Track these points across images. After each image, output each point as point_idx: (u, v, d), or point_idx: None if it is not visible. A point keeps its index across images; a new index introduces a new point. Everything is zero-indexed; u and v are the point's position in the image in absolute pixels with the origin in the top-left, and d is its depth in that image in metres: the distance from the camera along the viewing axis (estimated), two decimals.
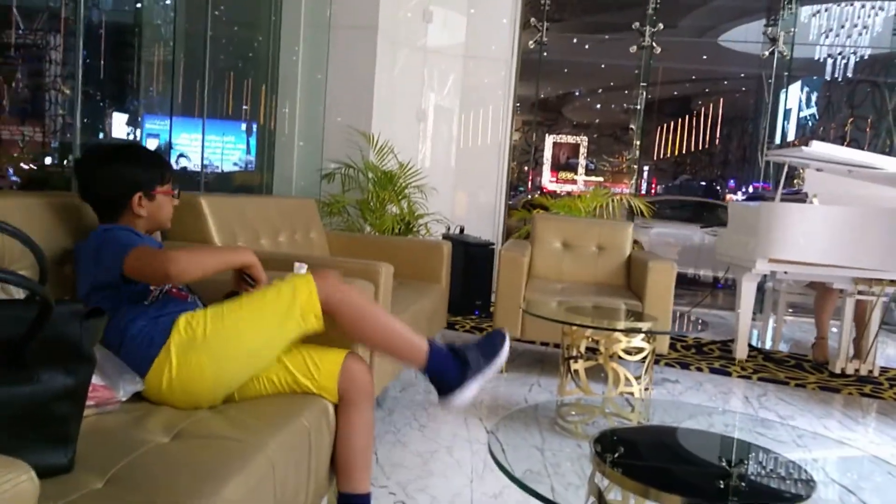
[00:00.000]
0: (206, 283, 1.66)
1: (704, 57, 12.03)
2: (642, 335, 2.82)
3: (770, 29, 7.04)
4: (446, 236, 5.19)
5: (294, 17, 5.15)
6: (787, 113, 11.05)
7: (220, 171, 6.01)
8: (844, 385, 3.82)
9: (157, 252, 1.57)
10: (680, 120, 16.64)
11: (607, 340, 2.79)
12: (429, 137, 5.73)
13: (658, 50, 6.86)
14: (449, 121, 5.84)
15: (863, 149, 7.76)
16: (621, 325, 2.87)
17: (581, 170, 15.50)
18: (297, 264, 2.03)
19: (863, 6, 9.06)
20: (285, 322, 1.56)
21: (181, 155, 5.67)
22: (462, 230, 5.43)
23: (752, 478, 1.49)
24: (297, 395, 1.59)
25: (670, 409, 2.57)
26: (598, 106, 16.87)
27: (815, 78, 11.11)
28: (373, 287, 2.11)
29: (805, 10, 8.77)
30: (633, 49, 6.98)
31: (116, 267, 1.55)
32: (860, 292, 3.98)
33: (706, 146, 16.40)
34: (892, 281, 3.94)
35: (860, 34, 9.15)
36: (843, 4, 9.14)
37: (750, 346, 4.41)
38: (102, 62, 5.93)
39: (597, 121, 17.53)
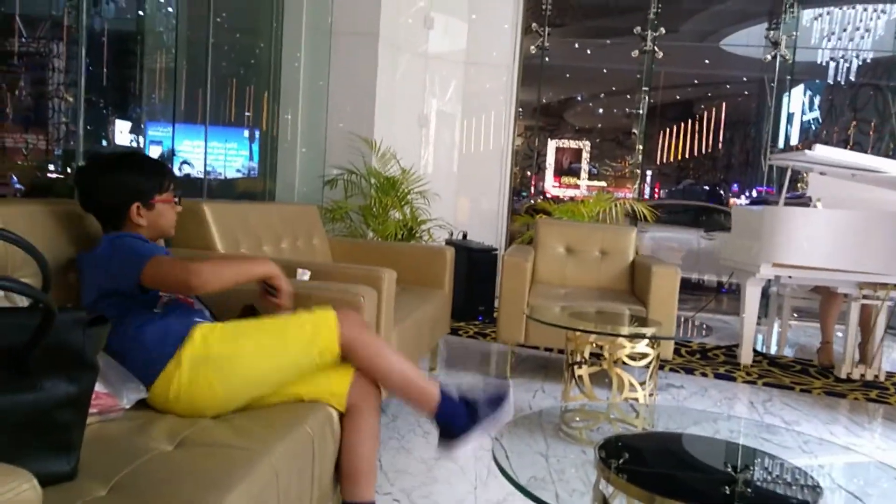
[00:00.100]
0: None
1: (706, 61, 12.02)
2: (646, 340, 2.81)
3: (772, 33, 7.03)
4: (449, 242, 5.19)
5: (295, 24, 5.16)
6: (789, 117, 11.04)
7: (222, 177, 6.02)
8: (850, 390, 3.80)
9: (178, 263, 1.57)
10: (682, 124, 16.62)
11: (611, 346, 2.78)
12: (431, 143, 5.73)
13: (660, 54, 6.86)
14: (451, 126, 5.85)
15: (866, 152, 7.74)
16: (625, 330, 2.86)
17: (584, 174, 15.51)
18: (300, 270, 2.03)
19: (865, 9, 9.06)
20: (302, 358, 1.58)
21: (184, 162, 5.68)
22: (465, 236, 5.43)
23: (758, 484, 1.48)
24: (302, 403, 1.59)
25: (675, 415, 2.56)
26: (601, 111, 16.87)
27: (817, 82, 11.11)
28: (376, 294, 2.11)
29: (807, 14, 8.77)
30: (635, 54, 6.98)
31: (133, 276, 1.55)
32: (865, 296, 3.97)
33: (709, 150, 16.38)
34: None
35: (862, 37, 9.15)
36: (845, 8, 9.14)
37: (755, 351, 4.39)
38: (105, 70, 5.95)
39: (599, 125, 17.52)
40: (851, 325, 4.01)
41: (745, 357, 4.23)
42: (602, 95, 15.55)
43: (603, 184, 15.87)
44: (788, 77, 7.18)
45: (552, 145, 15.51)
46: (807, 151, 3.98)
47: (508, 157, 6.08)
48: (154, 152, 5.94)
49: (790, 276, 4.13)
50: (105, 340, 1.18)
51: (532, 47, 6.81)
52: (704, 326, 3.33)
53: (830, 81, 9.56)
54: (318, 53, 5.14)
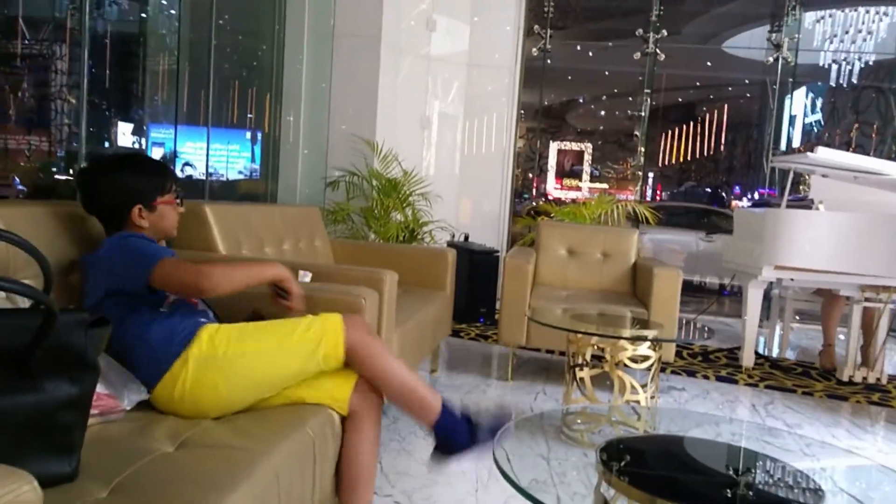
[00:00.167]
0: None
1: (708, 63, 12.03)
2: (648, 343, 2.80)
3: (774, 35, 7.03)
4: (451, 244, 5.19)
5: (298, 26, 5.17)
6: (791, 119, 11.04)
7: (225, 179, 6.03)
8: (852, 393, 3.79)
9: (188, 266, 1.57)
10: (684, 126, 16.62)
11: (613, 348, 2.77)
12: (433, 145, 5.74)
13: (662, 57, 6.86)
14: (453, 128, 5.85)
15: (868, 155, 7.73)
16: (627, 332, 2.86)
17: (586, 176, 15.49)
18: (301, 272, 2.03)
19: (867, 12, 9.06)
20: (307, 362, 1.58)
21: (186, 163, 5.69)
22: (467, 237, 5.43)
23: (760, 487, 1.47)
24: (304, 405, 1.59)
25: (677, 418, 2.55)
26: (603, 113, 16.87)
27: (819, 84, 11.11)
28: (378, 295, 2.11)
29: (809, 17, 8.77)
30: (637, 56, 6.99)
31: (141, 276, 1.55)
32: (867, 299, 3.96)
33: (711, 153, 16.38)
34: None
35: (864, 40, 9.15)
36: (847, 10, 9.14)
37: (757, 353, 4.38)
38: (108, 72, 5.96)
39: (601, 128, 17.52)
40: (853, 328, 4.00)
41: (747, 360, 4.23)
42: (604, 98, 15.56)
43: (605, 186, 15.86)
44: (790, 79, 7.18)
45: (554, 147, 15.50)
46: (809, 154, 3.98)
47: (510, 159, 6.08)
48: (156, 154, 5.95)
49: (792, 279, 4.13)
50: (106, 342, 1.17)
51: (534, 49, 6.82)
52: (706, 329, 3.33)
53: (832, 84, 9.56)
54: (320, 55, 5.15)
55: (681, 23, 10.07)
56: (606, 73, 12.53)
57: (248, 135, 6.22)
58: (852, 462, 2.06)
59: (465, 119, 5.91)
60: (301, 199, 5.14)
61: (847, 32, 9.10)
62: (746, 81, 12.86)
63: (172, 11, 5.95)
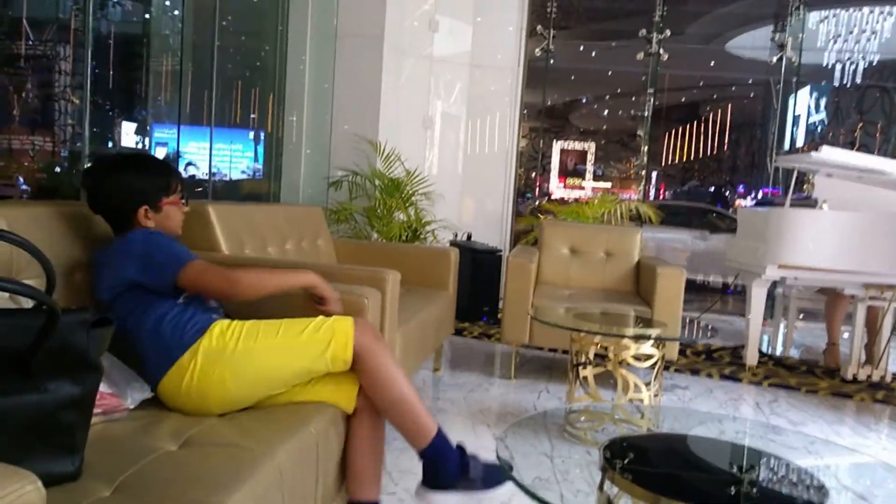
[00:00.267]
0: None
1: (712, 63, 12.00)
2: (651, 341, 2.80)
3: (778, 35, 7.01)
4: (454, 243, 5.19)
5: (301, 26, 5.17)
6: (795, 119, 11.02)
7: (228, 179, 6.04)
8: (856, 391, 3.78)
9: (218, 270, 1.60)
10: (688, 126, 16.60)
11: (616, 347, 2.77)
12: (436, 145, 5.74)
13: (665, 57, 6.85)
14: (456, 128, 5.85)
15: (873, 154, 7.72)
16: (630, 331, 2.86)
17: (589, 176, 15.49)
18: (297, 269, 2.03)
19: (871, 11, 9.04)
20: (315, 362, 1.58)
21: (189, 163, 5.70)
22: (469, 237, 5.43)
23: (764, 485, 1.47)
24: (307, 403, 1.59)
25: (680, 416, 2.55)
26: (606, 112, 16.86)
27: (823, 84, 11.08)
28: (380, 295, 2.11)
29: (813, 16, 8.75)
30: (640, 56, 6.98)
31: (169, 276, 1.58)
32: (871, 298, 3.95)
33: (714, 152, 16.36)
34: None
35: (869, 40, 9.12)
36: (851, 10, 9.12)
37: (760, 352, 4.38)
38: (111, 72, 5.98)
39: (604, 127, 17.51)
40: (858, 327, 3.99)
41: (751, 358, 4.22)
42: (607, 97, 15.54)
43: (608, 185, 15.86)
44: (794, 79, 7.16)
45: (557, 147, 15.51)
46: (813, 153, 3.97)
47: (513, 158, 6.08)
48: (160, 154, 5.97)
49: (796, 278, 4.12)
50: (109, 341, 1.17)
51: (537, 50, 6.81)
52: (710, 327, 3.32)
53: (836, 83, 9.54)
54: (323, 56, 5.15)
55: (684, 23, 10.06)
56: (609, 73, 12.52)
57: (251, 135, 6.23)
58: (856, 460, 2.06)
59: (467, 119, 5.91)
60: (304, 198, 5.15)
61: (851, 32, 9.08)
62: (750, 81, 12.84)
63: (176, 12, 5.97)
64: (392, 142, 5.01)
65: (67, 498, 1.03)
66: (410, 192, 4.93)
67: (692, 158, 16.95)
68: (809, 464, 1.59)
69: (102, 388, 1.31)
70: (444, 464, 1.66)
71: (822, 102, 11.82)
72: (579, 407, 2.68)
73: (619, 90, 14.25)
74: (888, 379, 3.98)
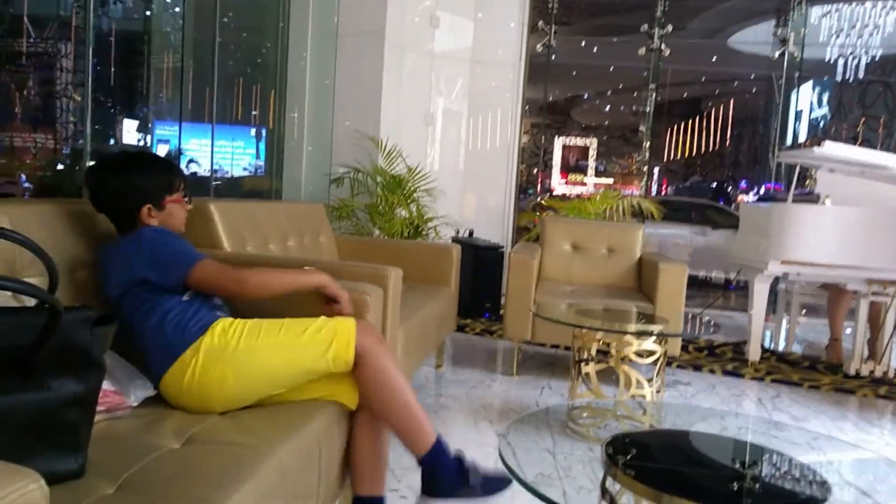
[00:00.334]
0: None
1: (714, 59, 11.98)
2: (653, 338, 2.80)
3: (780, 30, 7.00)
4: (456, 239, 5.19)
5: (302, 23, 5.17)
6: (798, 114, 10.99)
7: (230, 175, 6.04)
8: (859, 387, 3.78)
9: (228, 270, 1.62)
10: (690, 121, 16.57)
11: (618, 343, 2.77)
12: (437, 141, 5.73)
13: (667, 52, 6.84)
14: (457, 124, 5.85)
15: (875, 149, 7.71)
16: (632, 327, 2.86)
17: (590, 172, 15.48)
18: (305, 268, 2.03)
19: (874, 6, 9.00)
20: (316, 362, 1.57)
21: (191, 160, 5.71)
22: (471, 233, 5.43)
23: (766, 482, 1.47)
24: (310, 400, 1.59)
25: (682, 413, 2.55)
26: (608, 108, 16.84)
27: (826, 78, 11.06)
28: (382, 292, 2.11)
29: (815, 11, 8.72)
30: (642, 51, 6.96)
31: (179, 275, 1.59)
32: (874, 293, 3.95)
33: (717, 147, 16.34)
34: None
35: (871, 34, 9.09)
36: (853, 4, 9.08)
37: (763, 347, 4.38)
38: (113, 69, 5.98)
39: (606, 123, 17.49)
40: (860, 322, 3.99)
41: (753, 354, 4.22)
42: (609, 93, 15.52)
43: (610, 181, 15.85)
44: (797, 74, 7.15)
45: (559, 143, 15.49)
46: (815, 148, 3.96)
47: (515, 154, 6.07)
48: (161, 151, 5.97)
49: (798, 273, 4.11)
50: (111, 339, 1.18)
51: (538, 45, 6.80)
52: (712, 323, 3.32)
53: (839, 78, 9.51)
54: (324, 52, 5.15)
55: (686, 18, 10.04)
56: (611, 68, 12.49)
57: (253, 132, 6.23)
58: (859, 455, 2.06)
59: (469, 115, 5.90)
60: (305, 195, 5.15)
61: (854, 27, 9.04)
62: (752, 76, 12.81)
63: (177, 9, 5.96)
64: (393, 138, 5.01)
65: (71, 496, 1.03)
66: (412, 188, 4.93)
67: (694, 154, 16.93)
68: (812, 459, 1.58)
69: (105, 385, 1.31)
70: (443, 472, 1.66)
71: (825, 97, 11.79)
72: (581, 403, 2.68)
73: (620, 86, 14.23)
74: (891, 374, 3.98)
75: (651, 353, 2.80)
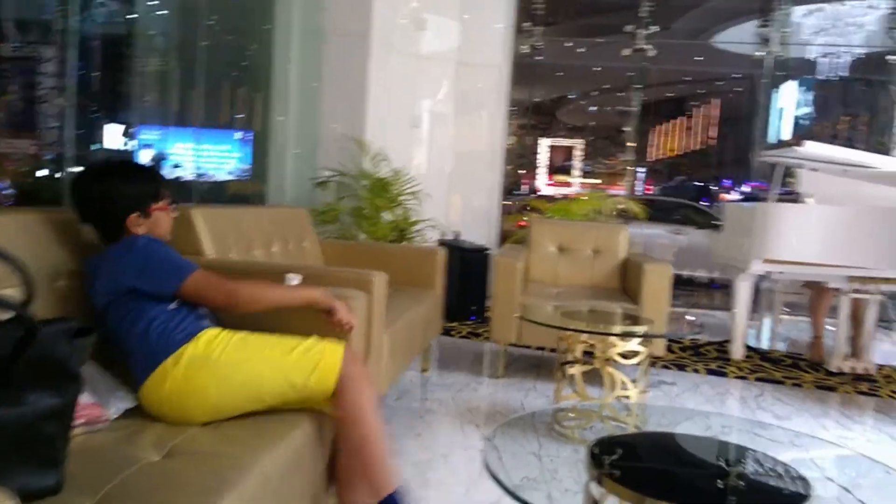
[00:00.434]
0: None
1: (698, 58, 12.05)
2: (638, 339, 2.81)
3: (763, 29, 7.06)
4: (442, 242, 5.19)
5: (287, 25, 5.15)
6: (781, 112, 11.07)
7: (214, 180, 6.01)
8: (841, 384, 3.82)
9: (221, 282, 1.63)
10: (675, 121, 16.67)
11: (603, 345, 2.78)
12: (423, 143, 5.73)
13: (652, 52, 6.88)
14: (443, 126, 5.85)
15: (858, 147, 7.78)
16: (617, 329, 2.87)
17: (576, 172, 15.54)
18: (289, 275, 2.03)
19: (854, 5, 9.09)
20: (297, 384, 1.56)
21: (176, 165, 5.68)
22: (457, 235, 5.43)
23: (748, 482, 1.48)
24: (292, 410, 1.59)
25: (667, 413, 2.57)
26: (593, 109, 16.90)
27: (809, 77, 11.15)
28: (367, 297, 2.11)
29: (798, 10, 8.79)
30: (627, 52, 7.00)
31: (171, 286, 1.60)
32: (855, 291, 3.99)
33: (702, 147, 16.44)
34: (886, 279, 3.95)
35: (853, 33, 9.17)
36: (835, 4, 9.16)
37: (746, 346, 4.41)
38: (96, 74, 5.94)
39: (591, 123, 17.55)
40: (842, 319, 4.03)
41: (737, 353, 4.25)
42: (594, 93, 15.57)
43: (597, 181, 15.91)
44: (780, 73, 7.21)
45: (545, 144, 15.53)
46: (797, 148, 4.00)
47: (501, 156, 6.08)
48: (146, 156, 5.93)
49: (781, 272, 4.15)
50: (90, 351, 1.17)
51: (524, 46, 6.82)
52: (696, 323, 3.34)
53: (822, 77, 9.60)
54: (309, 55, 5.13)
55: (671, 18, 10.09)
56: (596, 69, 12.54)
57: (239, 135, 6.21)
58: (840, 453, 2.08)
59: (455, 117, 5.90)
60: (291, 199, 5.13)
61: (835, 26, 9.13)
62: (736, 76, 12.90)
63: (162, 12, 5.93)
64: (380, 140, 5.00)
65: None
66: (398, 192, 4.92)
67: (680, 153, 17.03)
68: (794, 458, 1.60)
69: (85, 397, 1.31)
70: None
71: (808, 96, 11.89)
72: (567, 405, 2.69)
73: (606, 86, 14.28)
74: (872, 371, 4.03)
75: (636, 353, 2.82)
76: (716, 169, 16.86)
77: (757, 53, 7.04)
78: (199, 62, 4.66)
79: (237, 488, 1.17)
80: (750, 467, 1.55)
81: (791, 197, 4.87)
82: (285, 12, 5.15)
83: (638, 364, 2.86)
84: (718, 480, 1.49)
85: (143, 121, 6.24)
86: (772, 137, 10.47)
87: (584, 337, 2.84)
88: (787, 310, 5.43)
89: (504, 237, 6.29)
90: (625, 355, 2.81)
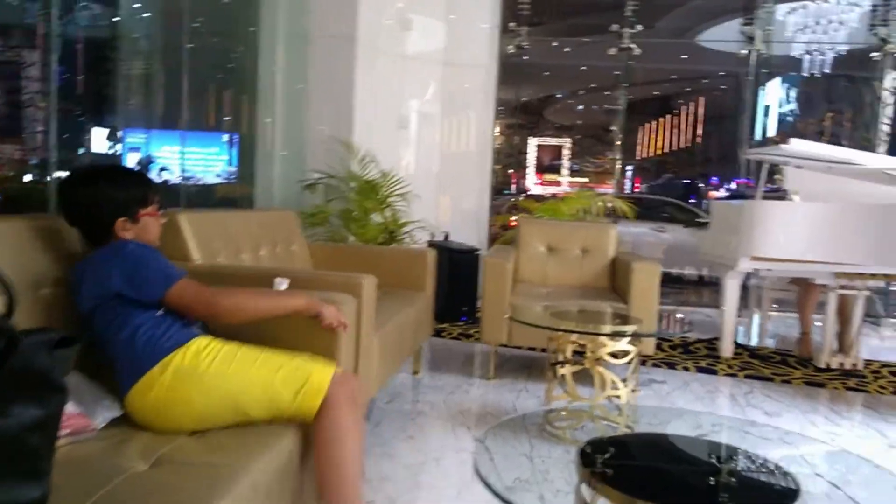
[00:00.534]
0: None
1: (684, 57, 12.10)
2: (627, 338, 2.82)
3: (747, 27, 7.10)
4: (431, 243, 5.18)
5: (272, 27, 5.13)
6: (766, 110, 11.15)
7: (202, 183, 5.97)
8: (829, 380, 3.84)
9: (205, 291, 1.61)
10: (661, 119, 16.75)
11: (593, 344, 2.79)
12: (411, 144, 5.72)
13: (637, 51, 6.90)
14: (431, 127, 5.84)
15: (843, 143, 7.85)
16: (606, 328, 2.87)
17: (565, 171, 15.58)
18: (277, 280, 2.02)
19: (838, 2, 9.15)
20: (282, 402, 1.55)
21: (163, 168, 5.64)
22: (447, 237, 5.42)
23: (740, 483, 1.49)
24: (279, 419, 1.57)
25: (658, 413, 2.58)
26: (580, 108, 16.94)
27: (793, 74, 11.23)
28: (356, 301, 2.10)
29: (781, 8, 8.84)
30: (613, 51, 7.02)
31: (157, 292, 1.58)
32: (842, 287, 4.02)
33: (688, 144, 16.52)
34: (873, 274, 3.98)
35: (836, 30, 9.23)
36: (818, 1, 9.22)
37: (736, 343, 4.43)
38: (80, 77, 5.89)
39: (579, 122, 17.60)
40: (830, 315, 4.06)
41: (727, 350, 4.27)
42: (581, 93, 15.62)
43: (585, 180, 15.96)
44: (764, 71, 7.25)
45: (533, 143, 15.56)
46: (782, 146, 4.02)
47: (489, 156, 6.08)
48: (132, 159, 5.88)
49: (769, 269, 4.17)
50: (73, 361, 1.15)
51: (510, 46, 6.83)
52: (686, 321, 3.35)
53: (806, 74, 9.66)
54: (296, 57, 5.11)
55: (655, 17, 10.12)
56: (583, 68, 12.57)
57: (226, 138, 6.17)
58: (828, 449, 2.09)
59: (442, 117, 5.90)
60: (279, 202, 5.10)
61: (818, 23, 9.18)
62: (721, 74, 12.97)
63: (145, 15, 5.89)
64: (367, 142, 4.99)
65: None
66: (387, 193, 4.91)
67: (667, 151, 17.11)
68: (784, 455, 1.61)
69: (71, 407, 1.29)
70: None
71: (793, 93, 11.98)
72: (558, 406, 2.69)
73: (592, 85, 14.32)
74: (860, 366, 4.06)
75: (626, 353, 2.82)
76: (703, 166, 16.94)
77: (741, 51, 7.08)
78: (184, 65, 4.62)
79: (226, 498, 1.16)
80: (740, 466, 1.55)
81: (777, 194, 4.89)
82: (270, 15, 5.12)
83: (628, 363, 2.87)
84: (709, 480, 1.50)
85: (129, 124, 6.19)
86: (758, 134, 10.53)
87: (574, 337, 2.84)
88: (776, 306, 5.47)
89: (494, 237, 6.29)
90: (615, 355, 2.82)
